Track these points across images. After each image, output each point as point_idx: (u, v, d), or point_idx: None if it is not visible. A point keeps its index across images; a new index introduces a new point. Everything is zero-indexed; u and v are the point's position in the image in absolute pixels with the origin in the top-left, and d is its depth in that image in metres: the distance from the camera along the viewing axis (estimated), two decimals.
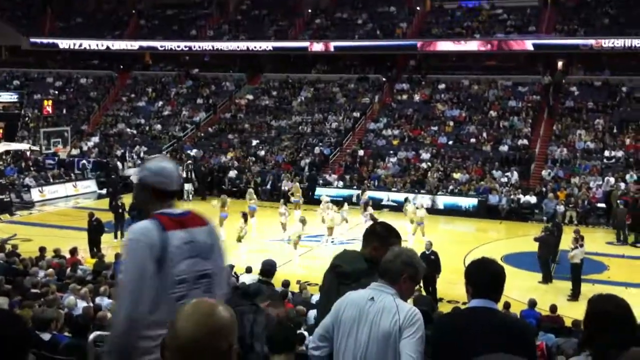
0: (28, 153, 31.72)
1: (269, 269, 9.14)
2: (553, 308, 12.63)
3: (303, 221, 20.56)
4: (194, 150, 33.19)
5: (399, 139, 32.33)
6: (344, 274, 3.75)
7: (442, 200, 26.55)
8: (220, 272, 3.03)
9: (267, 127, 35.29)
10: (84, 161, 31.52)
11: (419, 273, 3.44)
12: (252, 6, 44.64)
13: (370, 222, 20.92)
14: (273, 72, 41.02)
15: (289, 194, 25.86)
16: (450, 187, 27.39)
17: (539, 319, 12.20)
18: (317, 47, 39.00)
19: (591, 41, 33.39)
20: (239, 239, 20.53)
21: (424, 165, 29.49)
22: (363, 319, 3.29)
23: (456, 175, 28.06)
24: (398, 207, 24.70)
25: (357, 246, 4.10)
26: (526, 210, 25.81)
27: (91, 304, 9.92)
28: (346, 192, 27.83)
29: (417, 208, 22.19)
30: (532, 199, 25.97)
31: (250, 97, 38.84)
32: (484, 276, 3.34)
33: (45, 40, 42.55)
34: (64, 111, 39.01)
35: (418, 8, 40.74)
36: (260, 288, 4.64)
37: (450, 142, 31.36)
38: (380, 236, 3.86)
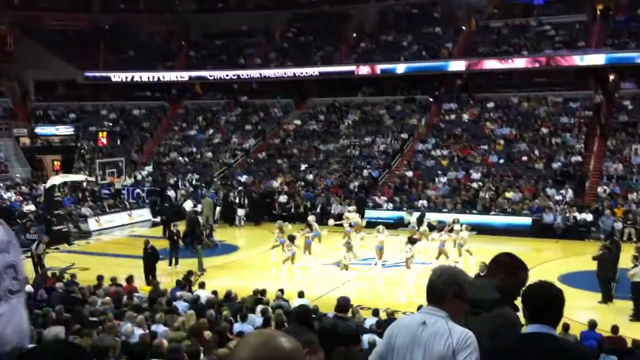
0: (84, 184, 32.58)
1: (344, 304, 8.97)
2: (614, 329, 12.26)
3: (349, 246, 20.44)
4: (245, 177, 33.60)
5: (448, 159, 32.08)
6: (476, 303, 3.64)
7: (495, 220, 26.17)
8: (20, 263, 3.19)
9: (315, 151, 35.49)
10: (138, 190, 32.22)
11: (465, 289, 3.37)
12: (298, 33, 45.23)
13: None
14: (320, 96, 41.35)
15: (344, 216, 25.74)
16: (504, 207, 26.97)
17: (600, 340, 11.86)
18: (363, 70, 39.18)
19: None
20: (287, 261, 20.44)
21: (474, 185, 29.14)
22: (416, 344, 3.27)
23: (509, 195, 27.61)
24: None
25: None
26: (582, 228, 25.22)
27: (147, 331, 10.07)
28: (396, 214, 27.70)
29: (460, 230, 21.73)
30: (589, 217, 25.36)
31: (298, 122, 39.19)
32: (540, 300, 3.29)
33: (98, 74, 43.86)
34: (118, 142, 40.03)
35: (463, 27, 40.64)
36: (349, 328, 4.55)
37: (502, 161, 30.95)
38: (508, 267, 3.82)
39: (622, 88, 34.86)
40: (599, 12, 38.14)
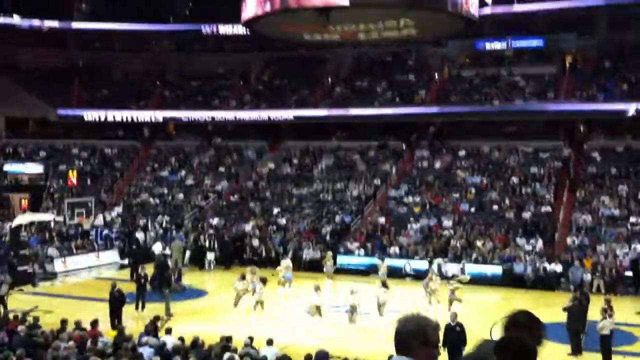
0: (52, 224, 32.03)
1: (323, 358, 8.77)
2: None
3: (317, 289, 20.22)
4: (216, 220, 33.35)
5: (420, 206, 32.25)
6: None
7: (466, 269, 26.23)
8: None
9: (288, 195, 35.45)
10: (107, 232, 31.74)
11: (430, 334, 3.28)
12: (274, 76, 45.60)
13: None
14: (294, 140, 41.49)
15: (323, 262, 26.02)
16: (474, 255, 27.07)
17: None
18: (338, 115, 39.49)
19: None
20: (257, 305, 20.26)
21: (446, 232, 29.27)
22: None
23: (479, 243, 27.75)
24: (419, 276, 24.46)
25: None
26: (552, 279, 25.36)
27: None
28: (368, 260, 27.66)
29: (435, 276, 21.82)
30: (558, 268, 25.53)
31: (272, 165, 39.20)
32: (513, 354, 3.25)
33: (71, 112, 43.54)
34: (88, 181, 39.55)
35: (436, 76, 41.35)
36: None
37: (473, 209, 31.19)
38: (525, 326, 3.73)
39: (590, 139, 35.55)
40: (568, 65, 39.12)
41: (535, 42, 39.72)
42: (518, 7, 38.74)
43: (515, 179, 32.85)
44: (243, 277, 21.00)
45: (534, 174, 33.09)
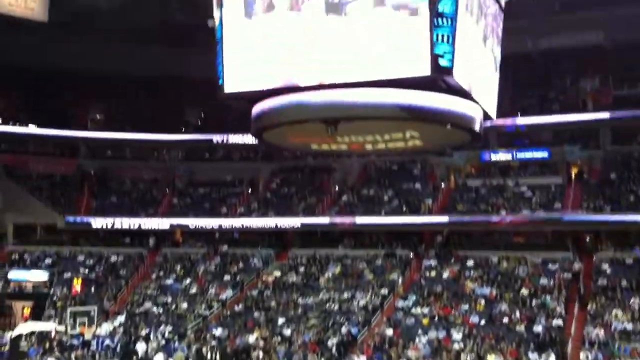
0: (53, 333, 31.37)
1: None
2: None
3: None
4: (220, 330, 32.60)
5: (428, 317, 31.50)
6: None
7: None
8: None
9: (293, 305, 34.80)
10: (108, 342, 31.00)
11: None
12: (282, 184, 46.08)
13: None
14: (301, 248, 41.30)
15: None
16: None
17: None
18: (344, 223, 39.47)
19: None
20: None
21: (456, 346, 28.40)
22: None
23: (490, 358, 26.84)
24: None
25: None
26: None
27: None
28: None
29: None
30: None
31: (278, 273, 38.77)
32: None
33: (79, 219, 43.72)
34: (92, 289, 39.08)
35: (443, 185, 41.63)
36: None
37: (483, 322, 30.41)
38: None
39: (599, 250, 35.19)
40: (574, 176, 39.39)
41: (540, 154, 40.26)
42: (522, 120, 39.56)
43: (525, 291, 32.24)
44: None
45: (543, 286, 32.49)
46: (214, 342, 30.43)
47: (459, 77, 11.28)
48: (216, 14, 12.63)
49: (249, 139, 39.35)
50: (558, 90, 43.11)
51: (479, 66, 12.93)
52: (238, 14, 12.29)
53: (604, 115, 38.73)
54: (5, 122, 45.25)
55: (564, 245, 35.88)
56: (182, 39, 39.63)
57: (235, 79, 12.39)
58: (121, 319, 35.14)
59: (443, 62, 10.80)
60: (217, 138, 46.41)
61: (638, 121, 37.75)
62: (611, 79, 41.06)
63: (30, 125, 45.99)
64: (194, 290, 38.45)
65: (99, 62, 42.95)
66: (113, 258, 42.97)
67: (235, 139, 45.32)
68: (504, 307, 31.11)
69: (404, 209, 39.77)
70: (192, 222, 42.95)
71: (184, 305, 36.57)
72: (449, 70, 10.86)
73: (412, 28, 10.97)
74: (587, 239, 36.51)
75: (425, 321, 31.21)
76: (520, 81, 40.57)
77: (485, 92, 13.67)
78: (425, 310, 32.15)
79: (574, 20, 38.55)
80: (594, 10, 36.88)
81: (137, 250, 43.69)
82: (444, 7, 10.81)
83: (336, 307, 33.86)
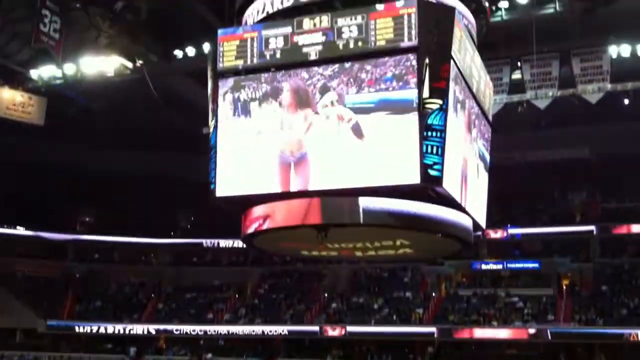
0: None
1: None
2: None
3: None
4: None
5: None
6: None
7: None
8: None
9: None
10: None
11: None
12: (271, 290, 45.37)
13: None
14: (288, 357, 40.10)
15: None
16: None
17: None
18: (333, 331, 38.62)
19: None
20: None
21: None
22: None
23: None
24: None
25: None
26: None
27: None
28: None
29: None
30: None
31: None
32: None
33: (62, 323, 42.67)
34: None
35: (433, 294, 41.14)
36: None
37: None
38: None
39: None
40: (565, 287, 39.11)
41: (531, 265, 40.22)
42: (512, 231, 39.78)
43: None
44: None
45: None
46: None
47: (449, 186, 11.42)
48: (211, 122, 12.94)
49: (238, 243, 39.13)
50: (547, 202, 43.57)
51: (468, 176, 13.11)
52: (231, 122, 12.60)
53: (593, 227, 39.12)
54: None
55: (557, 358, 35.09)
56: (175, 142, 40.20)
57: (227, 183, 12.52)
58: None
59: (433, 172, 10.96)
60: (207, 242, 46.21)
61: (626, 234, 38.03)
62: (599, 192, 41.69)
63: (17, 227, 45.68)
64: None
65: (90, 162, 43.38)
66: None
67: (225, 243, 45.14)
68: None
69: (395, 317, 39.08)
70: (177, 328, 41.94)
71: None
72: (438, 180, 11.00)
73: (403, 137, 11.21)
74: (580, 352, 35.77)
75: None
76: (509, 193, 41.02)
77: (475, 202, 13.80)
78: None
79: (560, 135, 39.49)
80: (579, 126, 37.85)
81: (119, 357, 42.23)
82: (434, 119, 11.09)
83: None
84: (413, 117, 11.04)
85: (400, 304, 40.55)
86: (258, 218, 12.74)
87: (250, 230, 13.02)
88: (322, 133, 11.67)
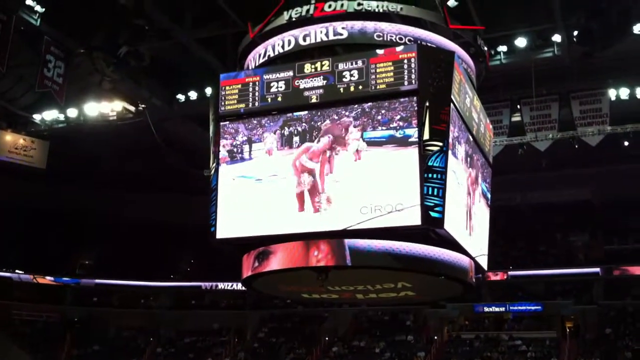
0: None
1: None
2: None
3: None
4: None
5: None
6: None
7: None
8: None
9: None
10: None
11: None
12: (271, 333, 44.82)
13: None
14: None
15: None
16: None
17: None
18: None
19: None
20: None
21: None
22: None
23: None
24: None
25: None
26: None
27: None
28: None
29: None
30: None
31: None
32: None
33: None
34: None
35: (436, 337, 40.65)
36: None
37: None
38: None
39: None
40: (568, 330, 38.65)
41: (533, 307, 39.84)
42: (514, 273, 39.55)
43: None
44: None
45: None
46: None
47: (450, 228, 11.38)
48: (212, 164, 12.98)
49: (238, 286, 38.83)
50: (549, 244, 43.36)
51: (469, 218, 13.09)
52: (231, 165, 12.65)
53: (598, 269, 38.86)
54: None
55: None
56: (175, 185, 40.27)
57: (228, 225, 12.49)
58: None
59: (434, 214, 10.93)
60: (205, 285, 45.93)
61: (629, 276, 37.77)
62: (601, 233, 41.54)
63: (16, 270, 45.33)
64: None
65: (91, 206, 43.35)
66: None
67: (224, 286, 44.87)
68: None
69: None
70: None
71: None
72: (439, 222, 10.97)
73: (403, 178, 11.22)
74: None
75: None
76: (511, 234, 40.92)
77: (476, 243, 13.73)
78: None
79: (561, 176, 39.52)
80: (580, 168, 37.88)
81: None
82: (434, 161, 11.12)
83: None
84: (414, 152, 11.12)
85: (402, 347, 40.03)
86: (258, 260, 12.68)
87: (250, 272, 12.94)
88: (317, 176, 11.73)
